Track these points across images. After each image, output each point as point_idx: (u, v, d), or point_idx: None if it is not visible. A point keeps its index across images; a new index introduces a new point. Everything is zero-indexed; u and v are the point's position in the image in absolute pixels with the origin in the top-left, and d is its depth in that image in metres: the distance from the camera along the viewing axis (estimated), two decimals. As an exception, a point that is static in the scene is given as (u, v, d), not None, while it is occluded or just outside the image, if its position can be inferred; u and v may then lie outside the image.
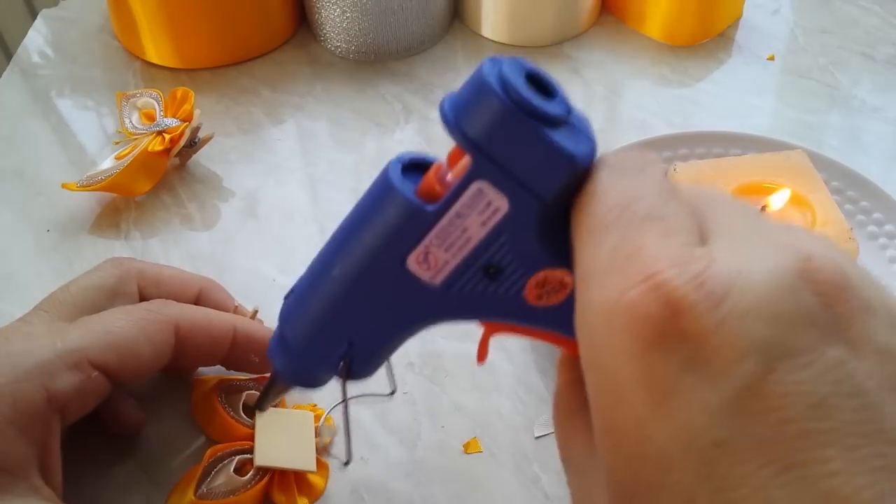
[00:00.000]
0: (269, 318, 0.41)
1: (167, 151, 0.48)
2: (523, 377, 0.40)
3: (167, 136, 0.48)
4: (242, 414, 0.37)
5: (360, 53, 0.58)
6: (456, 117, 0.22)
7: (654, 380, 0.18)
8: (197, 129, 0.49)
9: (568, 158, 0.21)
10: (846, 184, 0.47)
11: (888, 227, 0.45)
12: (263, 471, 0.35)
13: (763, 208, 0.41)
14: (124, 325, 0.33)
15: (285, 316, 0.28)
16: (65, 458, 0.32)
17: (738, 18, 0.62)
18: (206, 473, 0.35)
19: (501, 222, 0.22)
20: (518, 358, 0.41)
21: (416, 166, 0.25)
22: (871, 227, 0.45)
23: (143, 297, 0.37)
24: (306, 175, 0.51)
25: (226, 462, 0.35)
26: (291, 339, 0.28)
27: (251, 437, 0.36)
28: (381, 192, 0.24)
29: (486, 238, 0.23)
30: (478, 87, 0.21)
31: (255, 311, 0.40)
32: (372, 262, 0.24)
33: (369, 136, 0.53)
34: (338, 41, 0.58)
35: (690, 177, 0.42)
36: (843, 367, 0.17)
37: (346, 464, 0.31)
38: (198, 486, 0.34)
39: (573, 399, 0.24)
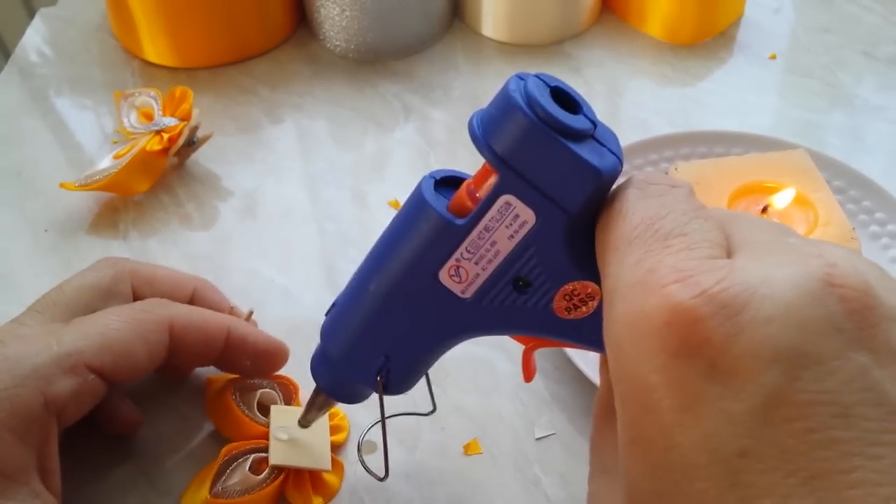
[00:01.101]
0: (267, 319, 0.40)
1: (165, 151, 0.48)
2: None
3: (165, 136, 0.48)
4: (257, 412, 0.37)
5: (360, 52, 0.58)
6: (484, 133, 0.22)
7: (679, 388, 0.18)
8: (195, 128, 0.49)
9: (593, 171, 0.21)
10: (848, 183, 0.47)
11: (890, 227, 0.45)
12: (278, 470, 0.35)
13: (765, 208, 0.40)
14: (119, 326, 0.32)
15: (326, 331, 0.29)
16: (62, 460, 0.31)
17: (740, 17, 0.62)
18: (221, 472, 0.35)
19: (529, 235, 0.23)
20: (518, 358, 0.40)
21: (449, 182, 0.26)
22: (874, 227, 0.45)
23: (136, 297, 0.36)
24: (305, 174, 0.51)
25: (241, 461, 0.35)
26: (332, 353, 0.29)
27: (266, 436, 0.36)
28: (414, 207, 0.25)
29: (514, 251, 0.23)
30: (504, 104, 0.22)
31: (251, 313, 0.40)
32: (406, 275, 0.25)
33: (369, 136, 0.53)
34: (337, 40, 0.58)
35: (692, 176, 0.42)
36: (868, 376, 0.17)
37: (383, 479, 0.32)
38: (213, 485, 0.34)
39: (610, 401, 0.24)
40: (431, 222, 0.24)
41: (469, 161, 0.52)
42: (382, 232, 0.26)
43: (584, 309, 0.24)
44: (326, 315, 0.30)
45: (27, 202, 0.49)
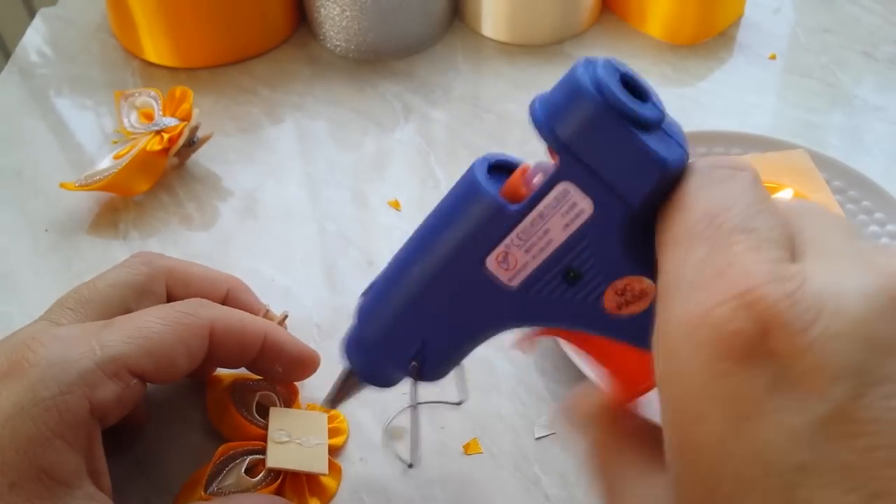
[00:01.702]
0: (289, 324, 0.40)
1: (166, 151, 0.48)
2: (524, 378, 0.40)
3: (166, 136, 0.48)
4: (255, 414, 0.37)
5: (360, 52, 0.58)
6: (547, 117, 0.21)
7: (738, 398, 0.17)
8: (196, 128, 0.49)
9: (660, 163, 0.21)
10: (848, 183, 0.47)
11: (890, 227, 0.45)
12: (275, 472, 0.35)
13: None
14: (161, 329, 0.32)
15: (363, 312, 0.28)
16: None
17: (740, 17, 0.62)
18: (216, 472, 0.34)
19: (585, 225, 0.22)
20: (518, 358, 0.41)
21: (501, 168, 0.25)
22: (873, 227, 0.45)
23: (170, 297, 0.36)
24: (305, 175, 0.51)
25: (237, 462, 0.35)
26: (367, 335, 0.28)
27: (264, 438, 0.36)
28: (465, 190, 0.24)
29: (567, 241, 0.23)
30: (571, 88, 0.21)
31: (285, 317, 0.40)
32: (452, 259, 0.24)
33: (369, 136, 0.53)
34: (337, 40, 0.58)
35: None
36: None
37: (411, 466, 0.32)
38: (207, 485, 0.34)
39: (625, 423, 0.24)
40: (483, 206, 0.23)
41: (469, 161, 0.52)
42: (429, 214, 0.25)
43: (635, 306, 0.23)
44: (363, 296, 0.29)
45: (27, 202, 0.49)
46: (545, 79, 0.57)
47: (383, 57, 0.58)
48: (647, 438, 0.24)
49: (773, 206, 0.20)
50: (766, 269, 0.18)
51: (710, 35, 0.60)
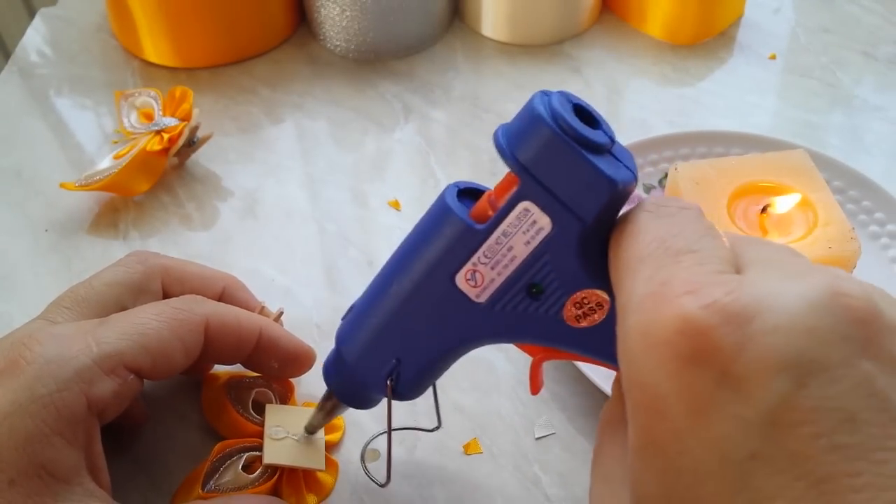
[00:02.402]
0: (284, 321, 0.40)
1: (166, 151, 0.48)
2: (523, 377, 0.40)
3: (166, 136, 0.48)
4: (252, 412, 0.37)
5: (360, 52, 0.58)
6: (508, 143, 0.24)
7: (690, 395, 0.18)
8: (196, 128, 0.49)
9: (609, 182, 0.23)
10: (848, 183, 0.47)
11: (890, 227, 0.45)
12: (272, 468, 0.35)
13: (765, 208, 0.40)
14: (157, 326, 0.32)
15: (342, 333, 0.30)
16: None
17: (740, 17, 0.62)
18: (213, 469, 0.34)
19: (544, 242, 0.24)
20: (518, 358, 0.41)
21: (470, 194, 0.27)
22: (873, 227, 0.45)
23: (166, 294, 0.36)
24: (305, 175, 0.51)
25: (234, 459, 0.35)
26: (346, 356, 0.30)
27: (260, 435, 0.36)
28: (437, 213, 0.26)
29: (529, 257, 0.24)
30: (529, 117, 0.23)
31: (281, 313, 0.40)
32: (425, 277, 0.26)
33: (369, 136, 0.53)
34: (337, 40, 0.58)
35: (692, 176, 0.42)
36: (873, 383, 0.17)
37: (384, 485, 0.33)
38: (205, 482, 0.34)
39: (618, 411, 0.24)
40: (453, 226, 0.25)
41: (469, 161, 0.52)
42: (404, 238, 0.27)
43: (593, 317, 0.25)
44: (343, 319, 0.30)
45: (27, 202, 0.49)
46: (545, 79, 0.57)
47: (383, 57, 0.58)
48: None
49: (717, 232, 0.22)
50: (707, 276, 0.19)
51: (710, 35, 0.60)
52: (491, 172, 0.51)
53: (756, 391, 0.18)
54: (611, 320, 0.25)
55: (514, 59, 0.59)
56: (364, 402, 0.32)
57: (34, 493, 0.28)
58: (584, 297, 0.25)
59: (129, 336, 0.31)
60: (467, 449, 0.37)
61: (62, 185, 0.47)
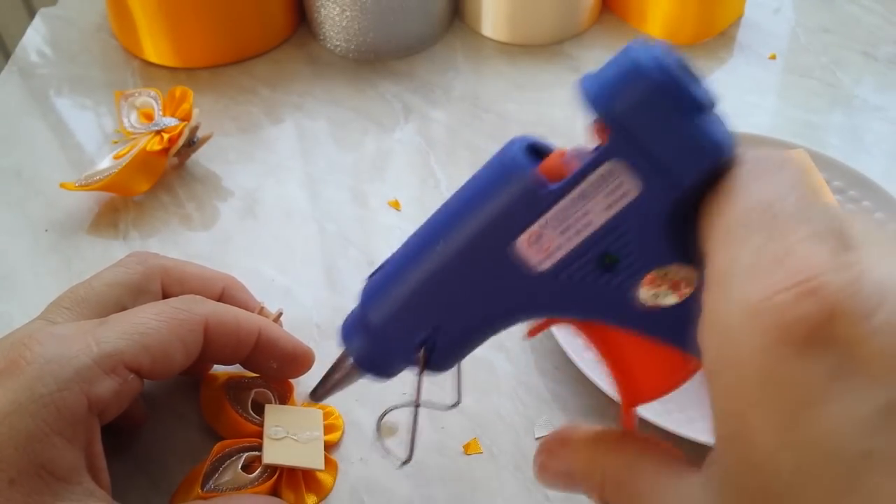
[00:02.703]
0: (284, 321, 0.40)
1: (166, 151, 0.48)
2: (523, 377, 0.40)
3: (166, 136, 0.48)
4: (251, 412, 0.37)
5: (360, 52, 0.58)
6: (601, 92, 0.21)
7: (799, 384, 0.17)
8: (196, 128, 0.49)
9: (716, 146, 0.20)
10: (848, 183, 0.47)
11: (890, 227, 0.45)
12: (272, 468, 0.35)
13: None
14: (157, 326, 0.32)
15: (370, 293, 0.27)
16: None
17: (740, 17, 0.62)
18: (213, 469, 0.34)
19: (628, 208, 0.21)
20: (518, 358, 0.41)
21: (536, 152, 0.23)
22: (873, 227, 0.45)
23: (165, 295, 0.36)
24: (305, 174, 0.51)
25: (234, 459, 0.35)
26: (372, 318, 0.27)
27: (260, 435, 0.36)
28: (499, 166, 0.23)
29: (608, 223, 0.22)
30: (630, 65, 0.20)
31: (280, 314, 0.40)
32: (480, 238, 0.23)
33: (369, 136, 0.53)
34: (337, 40, 0.58)
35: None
36: None
37: (405, 463, 0.29)
38: (204, 482, 0.34)
39: (627, 442, 0.23)
40: (520, 184, 0.22)
41: (469, 161, 0.52)
42: (454, 193, 0.24)
43: (670, 297, 0.22)
44: (369, 278, 0.27)
45: (27, 202, 0.49)
46: (545, 79, 0.57)
47: (383, 57, 0.58)
48: (655, 448, 0.23)
49: (827, 194, 0.20)
50: (826, 257, 0.18)
51: (710, 35, 0.60)
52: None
53: (875, 386, 0.16)
54: (690, 301, 0.22)
55: (514, 59, 0.59)
56: (385, 372, 0.28)
57: (34, 492, 0.28)
58: (667, 273, 0.22)
59: (129, 336, 0.31)
60: (467, 449, 0.37)
61: (62, 185, 0.47)
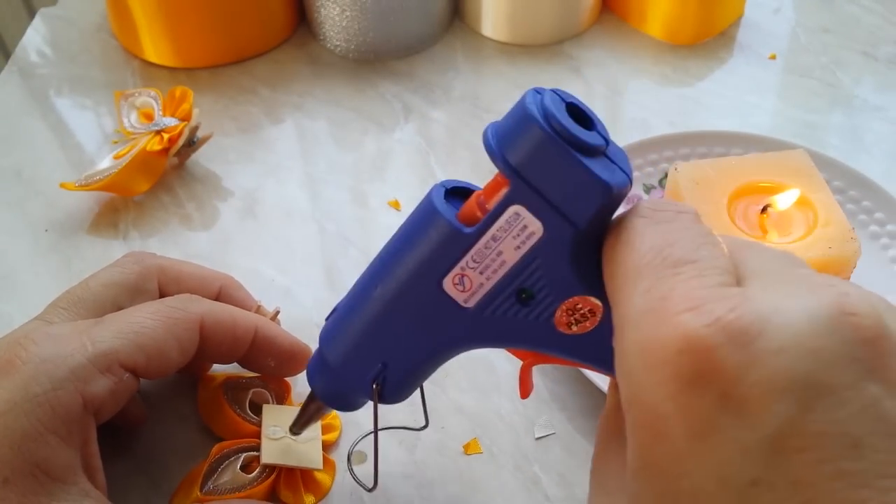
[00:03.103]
0: (284, 321, 0.40)
1: (166, 151, 0.48)
2: (523, 378, 0.40)
3: (166, 136, 0.48)
4: (249, 412, 0.37)
5: (360, 52, 0.58)
6: (498, 144, 0.23)
7: (691, 417, 0.18)
8: (196, 128, 0.49)
9: (603, 186, 0.22)
10: (848, 183, 0.47)
11: (890, 227, 0.45)
12: (270, 468, 0.35)
13: (765, 208, 0.40)
14: (152, 324, 0.32)
15: (325, 335, 0.29)
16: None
17: (740, 17, 0.62)
18: (212, 470, 0.34)
19: (535, 247, 0.23)
20: (517, 360, 0.41)
21: (458, 193, 0.26)
22: (873, 227, 0.45)
23: (163, 294, 0.36)
24: (305, 175, 0.51)
25: (232, 459, 0.35)
26: (329, 358, 0.29)
27: (258, 435, 0.36)
28: (423, 214, 0.25)
29: (520, 262, 0.24)
30: (520, 116, 0.22)
31: (277, 312, 0.40)
32: (411, 281, 0.25)
33: (369, 136, 0.53)
34: (337, 40, 0.58)
35: (692, 176, 0.42)
36: (880, 406, 0.17)
37: (371, 489, 0.32)
38: (203, 483, 0.34)
39: (615, 422, 0.24)
40: (440, 229, 0.24)
41: (469, 161, 0.52)
42: (389, 238, 0.27)
43: (585, 324, 0.24)
44: (326, 320, 0.29)
45: (27, 202, 0.49)
46: (545, 79, 0.57)
47: (383, 57, 0.58)
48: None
49: (716, 239, 0.21)
50: (708, 291, 0.18)
51: (710, 35, 0.60)
52: (491, 172, 0.50)
53: (760, 414, 0.17)
54: (603, 327, 0.24)
55: (514, 59, 0.59)
56: (349, 405, 0.31)
57: (29, 492, 0.28)
58: (577, 304, 0.24)
59: (125, 335, 0.31)
60: (467, 449, 0.37)
61: (62, 185, 0.47)
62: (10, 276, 0.45)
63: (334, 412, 0.38)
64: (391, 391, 0.28)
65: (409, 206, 0.48)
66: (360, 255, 0.46)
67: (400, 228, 0.26)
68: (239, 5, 0.55)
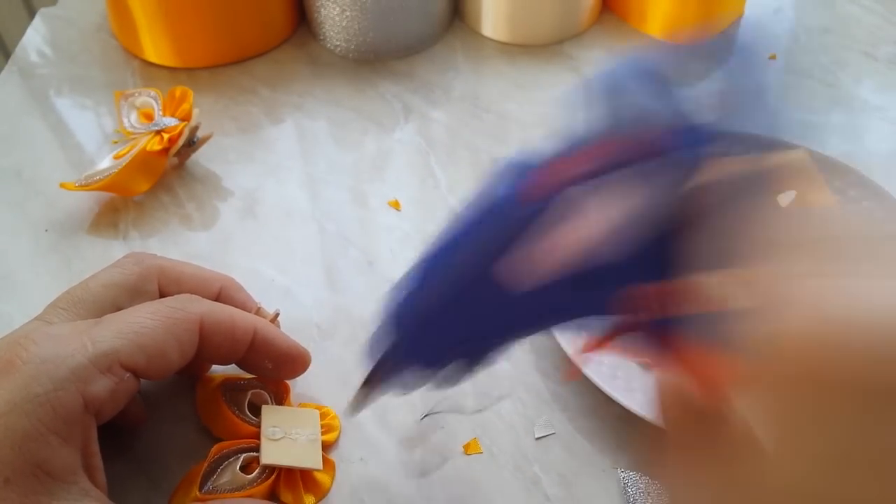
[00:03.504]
0: (284, 321, 0.40)
1: (166, 151, 0.48)
2: (523, 377, 0.40)
3: (166, 136, 0.48)
4: (248, 412, 0.37)
5: (360, 52, 0.58)
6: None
7: None
8: (196, 128, 0.49)
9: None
10: (848, 183, 0.46)
11: (890, 228, 0.45)
12: (270, 469, 0.35)
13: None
14: (152, 325, 0.32)
15: (395, 313, 0.28)
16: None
17: (740, 17, 0.62)
18: (211, 471, 0.34)
19: (602, 230, 0.23)
20: (518, 358, 0.41)
21: (523, 169, 0.25)
22: (873, 227, 0.45)
23: (162, 296, 0.36)
24: (305, 175, 0.51)
25: (231, 460, 0.35)
26: (399, 337, 0.28)
27: (257, 436, 0.36)
28: (486, 193, 0.25)
29: (583, 245, 0.23)
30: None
31: (277, 314, 0.40)
32: (470, 262, 0.25)
33: (369, 136, 0.53)
34: (337, 40, 0.58)
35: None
36: None
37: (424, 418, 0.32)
38: (202, 484, 0.34)
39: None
40: (501, 209, 0.24)
41: (469, 161, 0.52)
42: (452, 218, 0.26)
43: (655, 312, 0.23)
44: (391, 295, 0.28)
45: (27, 202, 0.49)
46: (545, 79, 0.57)
47: (383, 57, 0.58)
48: None
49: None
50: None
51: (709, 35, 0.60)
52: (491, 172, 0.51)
53: None
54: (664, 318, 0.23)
55: (514, 59, 0.59)
56: (409, 386, 0.30)
57: (30, 491, 0.28)
58: (640, 292, 0.23)
59: (125, 335, 0.31)
60: (467, 449, 0.37)
61: (62, 185, 0.47)
62: (10, 276, 0.45)
63: (333, 413, 0.38)
64: (458, 370, 0.28)
65: (409, 206, 0.48)
66: (360, 255, 0.46)
67: (464, 209, 0.26)
68: (239, 5, 0.55)
